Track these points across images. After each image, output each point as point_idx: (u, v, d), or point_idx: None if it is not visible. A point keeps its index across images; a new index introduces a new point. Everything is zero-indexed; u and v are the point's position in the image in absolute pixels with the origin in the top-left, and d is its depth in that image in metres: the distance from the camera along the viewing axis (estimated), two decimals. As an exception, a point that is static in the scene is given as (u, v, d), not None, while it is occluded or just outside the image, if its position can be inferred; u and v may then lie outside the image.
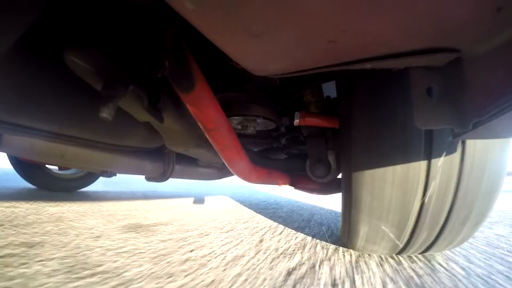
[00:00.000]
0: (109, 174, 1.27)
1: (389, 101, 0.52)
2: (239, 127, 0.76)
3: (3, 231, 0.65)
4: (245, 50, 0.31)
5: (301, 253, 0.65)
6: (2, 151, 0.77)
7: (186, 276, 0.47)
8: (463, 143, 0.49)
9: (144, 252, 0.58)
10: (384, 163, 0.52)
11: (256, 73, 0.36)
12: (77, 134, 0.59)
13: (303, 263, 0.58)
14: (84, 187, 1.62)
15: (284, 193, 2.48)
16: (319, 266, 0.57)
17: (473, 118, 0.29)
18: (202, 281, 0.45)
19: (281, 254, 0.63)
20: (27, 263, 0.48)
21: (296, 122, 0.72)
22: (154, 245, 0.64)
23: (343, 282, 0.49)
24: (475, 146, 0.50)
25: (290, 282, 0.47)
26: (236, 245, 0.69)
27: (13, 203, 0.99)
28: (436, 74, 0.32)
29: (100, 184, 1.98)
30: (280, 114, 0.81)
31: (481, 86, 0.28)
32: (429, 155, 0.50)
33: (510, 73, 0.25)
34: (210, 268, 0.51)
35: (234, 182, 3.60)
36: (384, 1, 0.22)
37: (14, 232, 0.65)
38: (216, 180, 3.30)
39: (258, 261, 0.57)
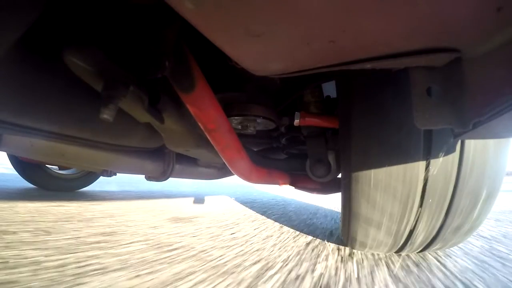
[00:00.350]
0: (109, 173, 1.27)
1: (389, 101, 0.52)
2: (239, 127, 0.76)
3: (75, 224, 0.76)
4: (245, 50, 0.31)
5: (315, 230, 0.89)
6: (2, 151, 0.77)
7: (239, 246, 0.66)
8: (462, 143, 0.49)
9: (199, 235, 0.75)
10: (384, 163, 0.52)
11: (256, 73, 0.36)
12: (78, 134, 0.59)
13: (317, 234, 0.83)
14: (84, 186, 1.62)
15: (288, 193, 2.53)
16: (330, 234, 0.83)
17: (473, 118, 0.29)
18: (252, 248, 0.65)
19: (298, 234, 0.84)
20: (119, 245, 0.60)
21: (296, 122, 0.72)
22: (203, 230, 0.82)
23: (345, 249, 0.69)
24: (474, 146, 0.50)
25: (309, 248, 0.69)
26: (264, 229, 0.89)
27: (60, 203, 1.08)
28: (436, 74, 0.32)
29: (115, 185, 2.06)
30: (280, 114, 0.81)
31: (481, 86, 0.28)
32: (428, 155, 0.50)
33: (510, 73, 0.25)
34: (253, 242, 0.71)
35: (238, 183, 3.64)
36: (384, 1, 0.22)
37: (84, 226, 0.76)
38: (223, 182, 3.32)
39: (284, 238, 0.78)
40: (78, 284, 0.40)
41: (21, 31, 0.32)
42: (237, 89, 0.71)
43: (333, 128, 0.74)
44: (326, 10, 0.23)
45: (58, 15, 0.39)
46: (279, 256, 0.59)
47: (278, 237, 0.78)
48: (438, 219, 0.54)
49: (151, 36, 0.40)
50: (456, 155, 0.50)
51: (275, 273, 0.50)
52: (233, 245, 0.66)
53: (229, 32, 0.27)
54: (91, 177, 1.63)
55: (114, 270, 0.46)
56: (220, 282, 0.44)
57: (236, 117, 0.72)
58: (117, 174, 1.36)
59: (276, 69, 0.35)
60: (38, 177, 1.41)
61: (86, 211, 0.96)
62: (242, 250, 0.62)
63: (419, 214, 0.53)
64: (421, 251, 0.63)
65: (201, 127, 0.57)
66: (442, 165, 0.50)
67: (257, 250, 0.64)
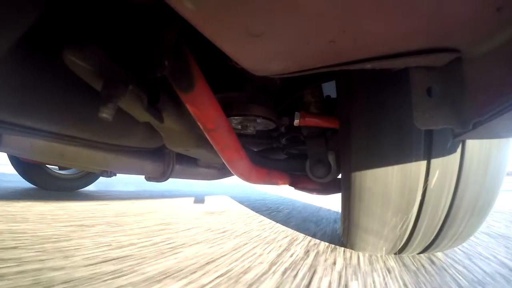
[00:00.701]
0: (109, 174, 1.27)
1: (389, 101, 0.52)
2: (239, 127, 0.76)
3: (133, 218, 0.90)
4: (245, 50, 0.31)
5: (322, 219, 1.14)
6: (2, 151, 0.77)
7: (269, 229, 0.88)
8: (463, 143, 0.49)
9: (235, 223, 0.95)
10: (384, 163, 0.52)
11: (256, 73, 0.36)
12: (77, 134, 0.59)
13: (324, 222, 1.07)
14: (84, 187, 1.62)
15: (292, 192, 2.61)
16: (334, 222, 1.09)
17: (473, 118, 0.29)
18: (279, 230, 0.87)
19: (310, 221, 1.08)
20: (181, 230, 0.77)
21: (296, 122, 0.72)
22: (236, 220, 1.01)
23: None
24: (475, 146, 0.50)
25: (319, 228, 0.93)
26: (282, 220, 1.09)
27: (102, 202, 1.21)
28: (436, 74, 0.32)
29: (132, 186, 2.18)
30: (280, 114, 0.81)
31: (481, 86, 0.28)
32: (429, 155, 0.50)
33: (510, 73, 0.25)
34: (278, 226, 0.93)
35: (244, 183, 3.71)
36: (384, 2, 0.21)
37: (141, 219, 0.90)
38: (230, 183, 3.37)
39: (299, 223, 1.02)
40: (177, 253, 0.56)
41: (22, 30, 0.32)
42: (237, 89, 0.71)
43: (333, 128, 0.74)
44: (326, 10, 0.23)
45: (58, 15, 0.39)
46: (300, 234, 0.82)
47: (296, 222, 1.02)
48: (439, 220, 0.54)
49: (150, 36, 0.40)
50: (457, 155, 0.49)
51: (300, 242, 0.72)
52: (264, 228, 0.88)
53: (229, 32, 0.27)
54: (91, 177, 1.63)
55: (193, 245, 0.63)
56: (268, 246, 0.66)
57: (235, 117, 0.72)
58: (117, 174, 1.36)
59: (276, 69, 0.35)
60: (38, 177, 1.41)
61: (131, 208, 1.11)
62: (272, 231, 0.85)
63: (419, 215, 0.53)
64: (422, 252, 0.63)
65: (200, 127, 0.57)
66: (443, 165, 0.50)
67: (283, 230, 0.86)
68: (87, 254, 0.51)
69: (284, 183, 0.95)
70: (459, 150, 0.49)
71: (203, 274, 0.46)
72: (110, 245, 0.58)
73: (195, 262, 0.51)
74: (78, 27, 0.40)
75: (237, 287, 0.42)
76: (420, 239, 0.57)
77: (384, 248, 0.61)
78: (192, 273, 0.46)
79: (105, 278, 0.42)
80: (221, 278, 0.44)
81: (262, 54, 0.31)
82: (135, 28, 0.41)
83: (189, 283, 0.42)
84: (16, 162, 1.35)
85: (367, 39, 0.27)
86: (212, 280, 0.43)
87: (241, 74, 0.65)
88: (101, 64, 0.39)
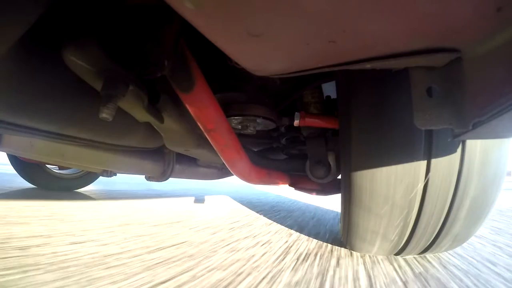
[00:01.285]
0: (109, 173, 1.27)
1: (389, 101, 0.52)
2: (239, 127, 0.76)
3: (190, 213, 1.14)
4: (245, 50, 0.31)
5: (329, 210, 1.49)
6: (2, 151, 0.77)
7: (295, 214, 1.28)
8: (463, 143, 0.49)
9: (267, 214, 1.24)
10: (384, 163, 0.52)
11: (256, 73, 0.36)
12: (78, 134, 0.59)
13: (330, 211, 1.42)
14: (84, 186, 1.62)
15: (298, 195, 2.72)
16: (337, 211, 1.42)
17: (473, 118, 0.29)
18: (303, 213, 1.30)
19: (321, 209, 1.48)
20: (234, 217, 1.08)
21: (296, 122, 0.72)
22: (266, 209, 1.41)
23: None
24: (475, 146, 0.50)
25: (320, 215, 1.29)
26: (302, 208, 1.50)
27: (157, 200, 1.44)
28: (436, 74, 0.32)
29: (156, 185, 2.42)
30: (280, 114, 0.81)
31: (481, 86, 0.28)
32: (429, 155, 0.50)
33: (510, 73, 0.25)
34: (299, 212, 1.33)
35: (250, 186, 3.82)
36: (384, 1, 0.22)
37: (208, 211, 1.20)
38: (239, 184, 3.44)
39: (312, 211, 1.40)
40: (248, 227, 0.91)
41: (22, 30, 0.32)
42: (237, 89, 0.71)
43: (333, 128, 0.74)
44: (326, 10, 0.23)
45: (59, 14, 0.39)
46: (315, 215, 1.25)
47: (312, 211, 1.42)
48: (439, 220, 0.54)
49: (150, 36, 0.40)
50: (457, 155, 0.49)
51: (318, 217, 1.12)
52: (291, 213, 1.30)
53: (229, 32, 0.27)
54: (91, 177, 1.63)
55: (249, 225, 0.94)
56: (298, 219, 1.05)
57: (235, 117, 0.72)
58: (117, 174, 1.36)
59: (276, 69, 0.35)
60: (38, 177, 1.41)
61: (187, 205, 1.36)
62: (301, 213, 1.31)
63: (419, 216, 0.53)
64: (421, 252, 0.63)
65: (200, 127, 0.57)
66: (443, 165, 0.50)
67: (305, 214, 1.29)
68: (201, 232, 0.79)
69: (284, 183, 0.95)
70: (459, 150, 0.49)
71: (275, 234, 0.81)
72: (197, 227, 0.87)
73: (263, 229, 0.89)
74: (79, 27, 0.40)
75: (291, 235, 0.80)
76: (420, 240, 0.57)
77: (383, 249, 0.61)
78: (265, 235, 0.79)
79: (228, 236, 0.76)
80: (278, 233, 0.82)
81: (262, 54, 0.31)
82: (135, 28, 0.41)
83: (270, 235, 0.79)
84: (16, 161, 1.35)
85: (367, 39, 0.27)
86: (277, 232, 0.84)
87: (241, 74, 0.65)
88: (101, 63, 0.39)
